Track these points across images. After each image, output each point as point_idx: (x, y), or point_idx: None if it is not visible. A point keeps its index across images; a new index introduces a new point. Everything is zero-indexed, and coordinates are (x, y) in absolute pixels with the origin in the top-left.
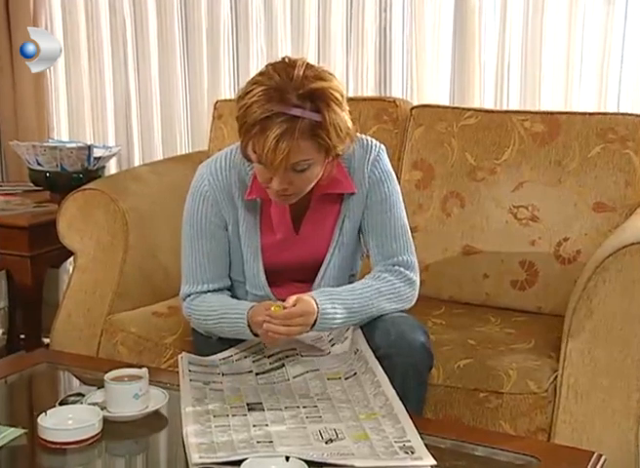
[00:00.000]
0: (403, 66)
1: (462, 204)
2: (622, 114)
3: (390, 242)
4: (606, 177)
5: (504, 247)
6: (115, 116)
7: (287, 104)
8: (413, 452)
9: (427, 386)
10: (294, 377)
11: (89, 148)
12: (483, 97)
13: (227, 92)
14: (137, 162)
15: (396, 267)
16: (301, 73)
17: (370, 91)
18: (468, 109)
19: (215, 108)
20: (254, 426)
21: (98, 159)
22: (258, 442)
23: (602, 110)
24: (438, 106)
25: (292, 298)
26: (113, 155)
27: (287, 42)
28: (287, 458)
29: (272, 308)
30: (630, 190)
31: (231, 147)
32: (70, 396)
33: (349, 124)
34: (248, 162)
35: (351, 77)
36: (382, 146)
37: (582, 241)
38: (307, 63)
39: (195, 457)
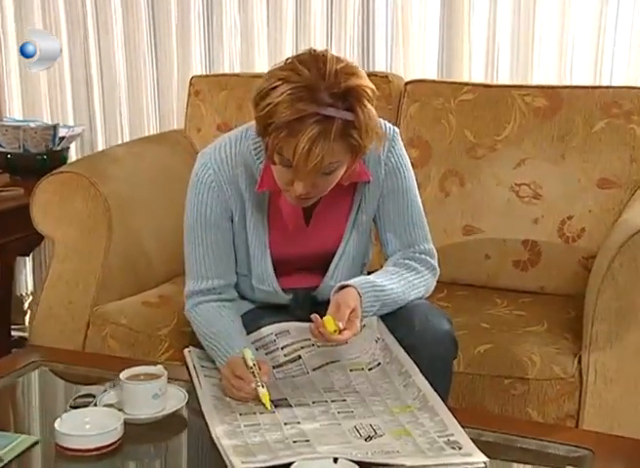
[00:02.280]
0: (387, 39)
1: (462, 182)
2: (627, 87)
3: (410, 230)
4: (610, 153)
5: (506, 226)
6: (74, 93)
7: (320, 104)
8: (460, 448)
9: (453, 376)
10: (313, 370)
11: (54, 128)
12: (472, 72)
13: (199, 67)
14: (100, 143)
15: (422, 256)
16: (334, 69)
17: None
18: (466, 84)
19: (190, 84)
20: (285, 424)
21: (61, 140)
22: (294, 441)
23: (597, 84)
24: (434, 81)
25: (346, 317)
26: (77, 135)
27: (262, 14)
28: (335, 460)
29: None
30: (635, 166)
31: (235, 133)
32: (80, 397)
33: (377, 121)
34: (272, 164)
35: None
36: (396, 129)
37: (587, 218)
38: (336, 57)
39: (237, 462)
